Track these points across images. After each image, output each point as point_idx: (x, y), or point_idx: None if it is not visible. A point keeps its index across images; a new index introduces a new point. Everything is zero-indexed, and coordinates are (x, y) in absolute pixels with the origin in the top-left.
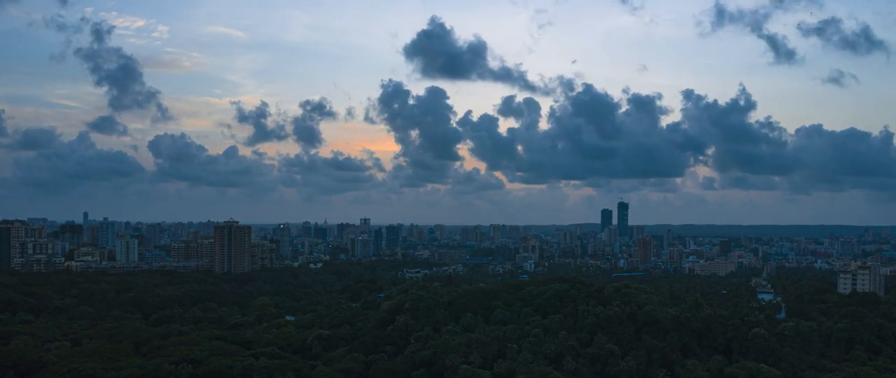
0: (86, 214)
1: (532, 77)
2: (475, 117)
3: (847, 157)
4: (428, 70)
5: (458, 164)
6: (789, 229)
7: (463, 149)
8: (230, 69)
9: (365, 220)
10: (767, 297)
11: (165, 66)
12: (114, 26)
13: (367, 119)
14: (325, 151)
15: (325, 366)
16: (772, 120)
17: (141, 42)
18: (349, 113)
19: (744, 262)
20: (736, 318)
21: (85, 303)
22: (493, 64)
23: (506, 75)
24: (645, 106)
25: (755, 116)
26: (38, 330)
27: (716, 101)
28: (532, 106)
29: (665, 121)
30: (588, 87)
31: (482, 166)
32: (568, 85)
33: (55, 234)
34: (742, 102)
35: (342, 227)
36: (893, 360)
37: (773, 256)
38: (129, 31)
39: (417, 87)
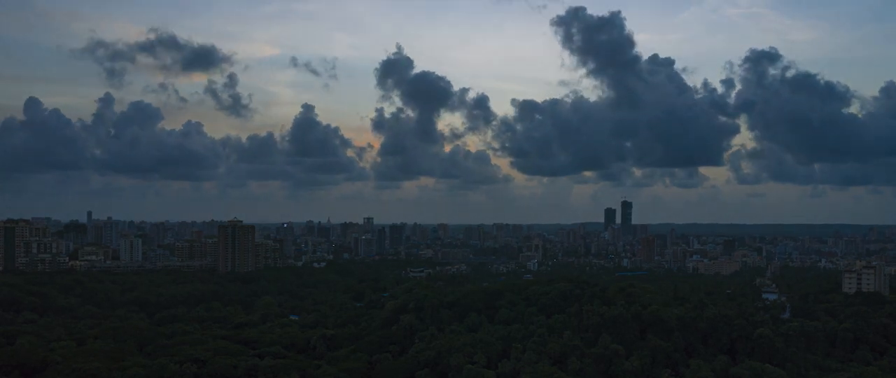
0: (89, 213)
1: None
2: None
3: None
4: None
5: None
6: (793, 228)
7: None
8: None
9: (368, 219)
10: (772, 296)
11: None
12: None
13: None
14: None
15: (329, 365)
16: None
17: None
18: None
19: (748, 261)
20: (740, 317)
21: (89, 302)
22: None
23: None
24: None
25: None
26: (42, 329)
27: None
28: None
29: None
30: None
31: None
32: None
33: (59, 233)
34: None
35: (345, 227)
36: None
37: (778, 256)
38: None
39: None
